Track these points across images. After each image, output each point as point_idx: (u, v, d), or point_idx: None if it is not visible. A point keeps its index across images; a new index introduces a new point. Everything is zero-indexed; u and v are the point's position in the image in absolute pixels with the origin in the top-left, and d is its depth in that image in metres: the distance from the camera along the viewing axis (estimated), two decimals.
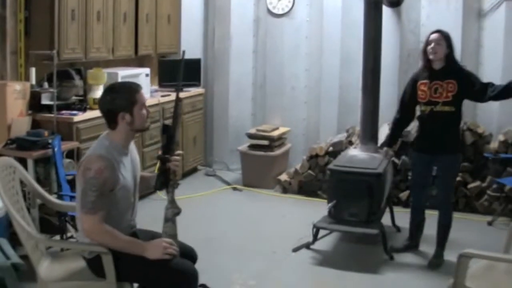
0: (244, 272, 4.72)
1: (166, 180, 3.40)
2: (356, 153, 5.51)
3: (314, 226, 5.20)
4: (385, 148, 5.30)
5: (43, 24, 5.35)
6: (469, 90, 4.73)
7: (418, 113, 5.02)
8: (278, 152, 7.12)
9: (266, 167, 6.99)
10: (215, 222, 5.88)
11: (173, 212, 3.35)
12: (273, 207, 6.52)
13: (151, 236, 3.41)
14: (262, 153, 7.03)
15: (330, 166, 5.32)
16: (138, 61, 6.77)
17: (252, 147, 7.11)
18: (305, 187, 6.85)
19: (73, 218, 4.73)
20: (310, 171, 6.77)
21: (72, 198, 4.64)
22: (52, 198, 3.90)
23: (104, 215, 3.09)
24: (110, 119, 3.21)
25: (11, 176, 3.47)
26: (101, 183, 3.05)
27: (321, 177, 6.74)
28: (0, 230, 4.31)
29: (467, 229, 5.21)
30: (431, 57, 4.78)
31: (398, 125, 5.20)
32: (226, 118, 7.73)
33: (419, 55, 4.99)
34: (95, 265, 3.22)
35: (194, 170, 7.63)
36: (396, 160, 6.29)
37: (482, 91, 4.71)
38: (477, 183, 6.30)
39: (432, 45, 4.76)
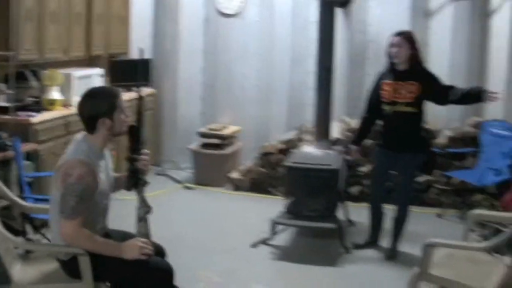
0: (208, 269, 4.81)
1: (136, 180, 3.45)
2: (311, 150, 5.65)
3: (273, 221, 5.31)
4: (352, 146, 5.41)
5: None
6: (430, 92, 4.89)
7: None
8: (229, 150, 7.22)
9: (218, 165, 7.08)
10: (172, 221, 5.91)
11: (144, 211, 3.40)
12: (226, 204, 6.61)
13: (123, 235, 3.46)
14: (214, 151, 7.11)
15: (287, 163, 5.44)
16: (89, 61, 6.73)
17: (204, 145, 7.18)
18: (256, 185, 6.96)
19: (33, 219, 4.75)
20: (262, 169, 6.89)
21: (36, 200, 4.63)
22: (21, 201, 3.90)
23: (83, 220, 3.10)
24: (90, 124, 3.21)
25: None
26: (82, 189, 3.06)
27: (273, 175, 6.88)
28: None
29: (418, 221, 5.42)
30: (394, 60, 4.93)
31: (366, 124, 5.31)
32: (175, 117, 7.76)
33: (385, 54, 5.06)
34: (70, 266, 3.25)
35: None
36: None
37: (443, 95, 4.89)
38: (426, 177, 6.55)
39: (394, 49, 4.89)
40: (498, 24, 6.73)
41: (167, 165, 7.83)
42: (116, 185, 3.50)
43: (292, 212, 5.32)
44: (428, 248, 3.71)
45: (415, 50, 4.92)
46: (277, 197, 6.79)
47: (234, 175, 7.07)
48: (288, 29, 7.31)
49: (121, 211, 4.14)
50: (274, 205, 6.43)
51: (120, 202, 4.37)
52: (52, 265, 3.39)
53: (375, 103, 5.12)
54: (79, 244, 3.13)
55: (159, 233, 3.60)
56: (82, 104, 3.24)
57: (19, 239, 3.55)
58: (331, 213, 5.30)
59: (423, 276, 3.70)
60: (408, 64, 4.92)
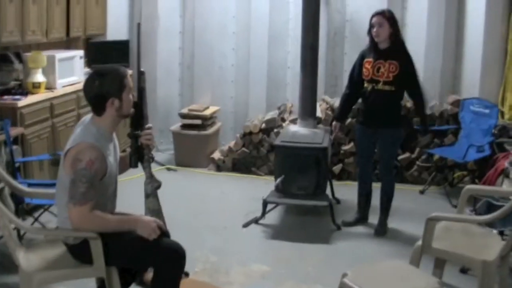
0: (203, 249, 4.82)
1: (140, 156, 3.43)
2: (298, 129, 5.71)
3: (264, 201, 5.35)
4: (334, 123, 5.47)
5: None
6: (404, 77, 4.98)
7: None
8: (210, 130, 7.20)
9: (199, 146, 7.07)
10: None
11: (152, 186, 3.40)
12: (210, 185, 6.61)
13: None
14: (195, 132, 7.09)
15: (276, 142, 5.51)
16: (66, 43, 6.62)
17: (185, 126, 7.15)
18: (238, 165, 6.98)
19: (23, 203, 4.70)
20: (244, 149, 6.90)
21: (29, 185, 4.57)
22: (21, 186, 3.85)
23: (94, 204, 3.07)
24: (98, 105, 3.17)
25: None
26: (92, 174, 3.03)
27: (255, 154, 6.91)
28: None
29: (402, 198, 5.53)
30: (376, 39, 4.98)
31: (348, 101, 5.38)
32: (154, 98, 7.68)
33: (367, 34, 5.11)
34: (79, 251, 3.22)
35: (123, 152, 7.57)
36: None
37: (409, 91, 5.10)
38: (407, 154, 6.67)
39: (375, 28, 4.94)
40: (473, 2, 6.82)
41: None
42: (122, 167, 3.48)
43: (282, 190, 5.36)
44: (430, 222, 3.80)
45: (396, 28, 4.99)
46: (260, 176, 6.87)
47: (216, 155, 7.07)
48: (265, 8, 7.31)
49: (124, 191, 4.09)
50: (258, 184, 6.58)
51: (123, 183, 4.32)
52: (57, 250, 3.36)
53: (356, 80, 5.19)
54: (91, 227, 3.10)
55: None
56: (90, 85, 3.18)
57: (27, 224, 3.48)
58: (321, 191, 5.36)
59: (425, 250, 3.80)
60: (388, 42, 4.99)
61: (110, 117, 3.19)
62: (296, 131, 5.64)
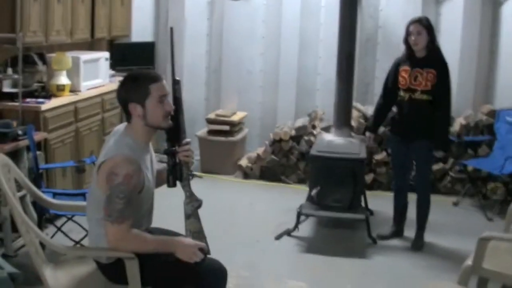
0: (234, 264, 4.55)
1: (179, 174, 3.17)
2: (333, 138, 5.49)
3: (300, 212, 5.14)
4: (367, 133, 5.31)
5: (2, 4, 4.91)
6: (440, 86, 4.78)
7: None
8: (238, 137, 7.00)
9: (226, 152, 6.86)
10: (178, 212, 5.67)
11: (193, 206, 3.13)
12: (238, 193, 6.40)
13: (165, 234, 3.21)
14: (222, 138, 6.88)
15: (312, 152, 5.27)
16: (90, 45, 6.42)
17: (212, 132, 6.94)
18: (267, 172, 6.78)
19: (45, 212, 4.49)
20: (273, 156, 6.69)
21: (55, 195, 4.35)
22: (47, 197, 3.60)
23: (132, 222, 2.84)
24: (125, 110, 2.95)
25: (7, 176, 3.16)
26: (130, 189, 2.79)
27: (284, 162, 6.68)
28: None
29: (435, 210, 5.30)
30: (414, 48, 4.81)
31: (381, 110, 5.21)
32: None
33: (403, 42, 4.92)
34: (112, 271, 2.99)
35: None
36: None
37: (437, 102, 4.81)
38: (440, 165, 6.43)
39: (413, 37, 4.77)
40: (509, 9, 6.61)
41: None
42: (158, 181, 3.20)
43: (317, 202, 5.13)
44: (482, 241, 3.55)
45: (433, 36, 4.83)
46: (289, 185, 6.65)
47: (244, 162, 6.87)
48: (296, 13, 7.09)
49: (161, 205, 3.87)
50: (287, 193, 6.40)
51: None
52: (86, 268, 3.13)
53: (391, 89, 5.02)
54: (129, 247, 2.86)
55: (174, 228, 3.34)
56: (119, 87, 2.96)
57: (57, 243, 3.22)
58: (357, 204, 5.14)
59: (476, 270, 3.57)
60: (426, 51, 4.81)
61: (138, 125, 2.93)
62: (331, 140, 5.42)
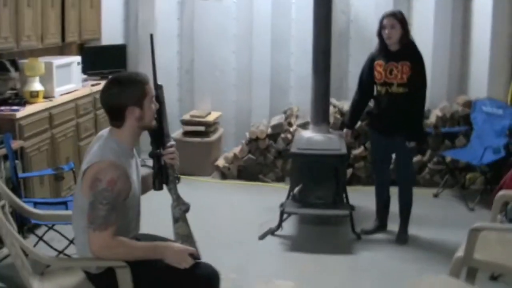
0: (221, 266, 4.43)
1: (165, 176, 3.11)
2: (311, 135, 5.46)
3: (283, 211, 5.10)
4: (345, 130, 5.28)
5: None
6: (416, 78, 4.79)
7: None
8: (213, 137, 6.94)
9: (203, 153, 6.78)
10: (162, 217, 5.58)
11: (180, 209, 3.09)
12: (217, 194, 6.35)
13: (153, 239, 3.14)
14: (198, 139, 6.81)
15: (293, 149, 5.24)
16: (60, 49, 6.29)
17: (187, 133, 6.86)
18: (244, 172, 6.73)
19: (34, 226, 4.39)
20: (250, 155, 6.64)
21: (35, 204, 4.24)
22: (28, 207, 3.50)
23: (116, 229, 2.75)
24: (117, 115, 2.85)
25: None
26: (114, 195, 2.71)
27: (262, 161, 6.65)
28: None
29: (416, 203, 5.25)
30: (386, 42, 4.80)
31: (357, 106, 5.19)
32: None
33: (376, 35, 4.92)
34: (103, 280, 2.90)
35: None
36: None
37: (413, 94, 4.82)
38: (419, 157, 6.46)
39: (387, 30, 4.76)
40: (480, 2, 6.64)
41: (145, 155, 7.40)
42: (143, 187, 3.13)
43: (300, 200, 5.10)
44: (474, 232, 3.55)
45: (406, 30, 4.82)
46: (267, 184, 6.62)
47: (220, 163, 6.80)
48: (267, 10, 7.04)
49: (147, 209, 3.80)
50: (266, 192, 6.39)
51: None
52: (75, 278, 3.03)
53: (366, 84, 5.02)
54: (113, 255, 2.78)
55: (154, 231, 3.28)
56: (108, 92, 2.86)
57: (46, 255, 3.13)
58: (340, 199, 5.13)
59: (467, 261, 3.57)
60: (399, 44, 4.81)
61: (131, 129, 2.88)
62: (310, 137, 5.39)
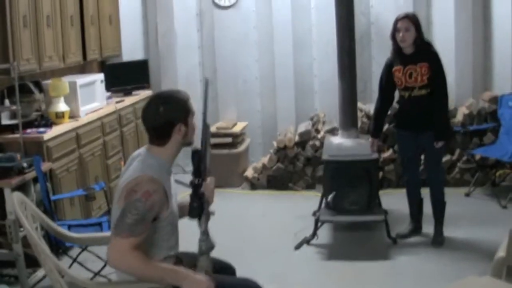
0: (258, 278, 4.41)
1: (200, 208, 3.04)
2: (341, 141, 5.40)
3: (317, 220, 5.03)
4: (370, 139, 5.19)
5: None
6: (435, 77, 4.73)
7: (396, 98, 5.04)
8: (241, 148, 6.89)
9: (231, 165, 6.74)
10: (195, 231, 5.55)
11: (207, 246, 3.00)
12: (248, 205, 6.31)
13: (192, 256, 3.10)
14: (226, 151, 6.76)
15: (325, 157, 5.17)
16: (81, 67, 6.27)
17: (214, 146, 6.80)
18: (274, 181, 6.67)
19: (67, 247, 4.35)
20: (279, 164, 6.58)
21: (70, 227, 4.20)
22: (67, 232, 3.46)
23: (138, 243, 2.66)
24: (164, 133, 2.82)
25: (24, 214, 3.04)
26: (146, 208, 2.65)
27: (291, 169, 6.59)
28: None
29: (448, 203, 5.16)
30: (400, 44, 4.75)
31: (380, 113, 5.14)
32: None
33: (390, 38, 4.86)
34: None
35: None
36: None
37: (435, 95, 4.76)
38: (448, 157, 6.36)
39: (401, 33, 4.71)
40: None
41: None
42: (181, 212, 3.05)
43: (334, 207, 5.02)
44: None
45: (420, 32, 4.77)
46: (297, 192, 6.56)
47: (249, 173, 6.75)
48: (287, 16, 7.00)
49: None
50: (297, 200, 6.33)
51: None
52: None
53: (387, 91, 4.99)
54: (127, 268, 2.68)
55: (189, 246, 3.20)
56: (154, 112, 2.82)
57: (87, 280, 3.09)
58: (374, 205, 5.05)
59: (508, 261, 3.45)
60: (414, 47, 4.76)
61: (174, 146, 2.86)
62: (340, 142, 5.33)
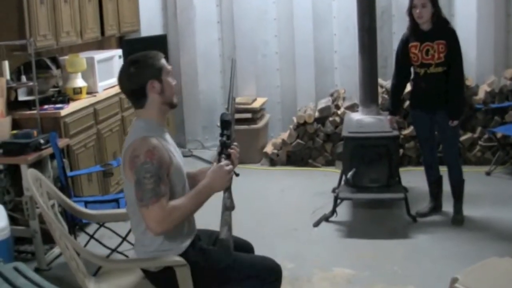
0: (277, 255, 4.35)
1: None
2: (361, 117, 5.31)
3: (337, 197, 4.98)
4: (389, 117, 5.12)
5: (8, 10, 4.70)
6: (453, 55, 4.64)
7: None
8: (260, 124, 6.84)
9: (250, 140, 6.67)
10: (213, 207, 5.53)
11: (231, 203, 3.00)
12: (267, 181, 6.27)
13: (210, 235, 3.12)
14: (245, 126, 6.71)
15: (344, 133, 5.12)
16: (99, 43, 6.23)
17: (235, 121, 6.75)
18: (293, 157, 6.62)
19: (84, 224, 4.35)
20: (299, 140, 6.52)
21: (87, 203, 4.19)
22: (82, 208, 3.45)
23: (167, 198, 2.66)
24: (138, 93, 2.80)
25: (39, 191, 3.02)
26: (156, 166, 2.63)
27: (311, 145, 6.52)
28: (4, 253, 3.77)
29: (469, 182, 5.11)
30: (417, 21, 4.67)
31: (397, 90, 5.07)
32: (196, 94, 7.34)
33: (406, 14, 4.78)
34: (162, 279, 2.84)
35: None
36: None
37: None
38: (469, 134, 6.29)
39: (418, 10, 4.62)
40: None
41: (192, 145, 7.40)
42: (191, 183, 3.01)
43: (353, 184, 4.96)
44: None
45: (437, 7, 4.67)
46: (317, 168, 6.51)
47: (269, 149, 6.71)
48: None
49: None
50: (317, 177, 6.29)
51: None
52: (133, 278, 2.98)
53: (403, 67, 4.91)
54: (173, 223, 2.69)
55: (209, 222, 3.18)
56: (126, 73, 2.81)
57: (102, 257, 3.07)
58: (394, 182, 4.99)
59: None
60: (431, 23, 4.67)
61: (154, 105, 2.81)
62: (360, 119, 5.24)
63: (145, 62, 2.80)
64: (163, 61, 2.86)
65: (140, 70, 2.78)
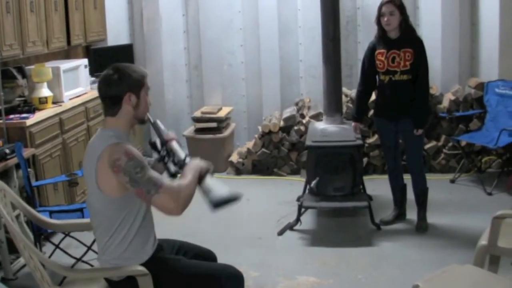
0: (242, 264, 4.44)
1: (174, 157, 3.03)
2: (325, 126, 5.39)
3: (301, 205, 5.03)
4: (353, 123, 5.20)
5: None
6: (418, 64, 4.73)
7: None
8: (226, 133, 6.86)
9: (216, 150, 6.71)
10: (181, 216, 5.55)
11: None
12: (232, 190, 6.24)
13: (173, 244, 3.18)
14: (211, 136, 6.74)
15: (308, 142, 5.16)
16: (65, 53, 6.22)
17: (199, 130, 6.78)
18: (259, 166, 6.67)
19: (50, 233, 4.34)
20: (264, 149, 6.57)
21: (51, 213, 4.18)
22: (47, 219, 3.46)
23: (168, 185, 2.70)
24: (114, 101, 2.83)
25: (3, 201, 3.03)
26: (140, 160, 2.69)
27: (276, 154, 6.58)
28: None
29: (433, 189, 5.21)
30: (385, 28, 4.75)
31: (363, 98, 5.12)
32: (162, 103, 7.34)
33: (374, 23, 4.84)
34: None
35: None
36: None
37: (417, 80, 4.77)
38: (433, 143, 6.39)
39: (386, 17, 4.70)
40: None
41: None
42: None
43: (318, 193, 5.03)
44: (497, 220, 3.47)
45: (405, 16, 4.75)
46: (282, 177, 6.57)
47: (234, 158, 6.74)
48: (273, 1, 6.96)
49: None
50: (282, 186, 6.34)
51: None
52: (95, 287, 2.99)
53: (369, 74, 4.97)
54: (187, 199, 2.74)
55: (172, 232, 3.24)
56: (107, 79, 2.84)
57: (65, 267, 3.07)
58: (358, 190, 5.06)
59: (491, 249, 3.49)
60: (399, 31, 4.75)
61: (126, 116, 2.85)
62: (324, 128, 5.32)
63: (129, 74, 2.83)
64: (146, 79, 2.91)
65: (122, 79, 2.81)
